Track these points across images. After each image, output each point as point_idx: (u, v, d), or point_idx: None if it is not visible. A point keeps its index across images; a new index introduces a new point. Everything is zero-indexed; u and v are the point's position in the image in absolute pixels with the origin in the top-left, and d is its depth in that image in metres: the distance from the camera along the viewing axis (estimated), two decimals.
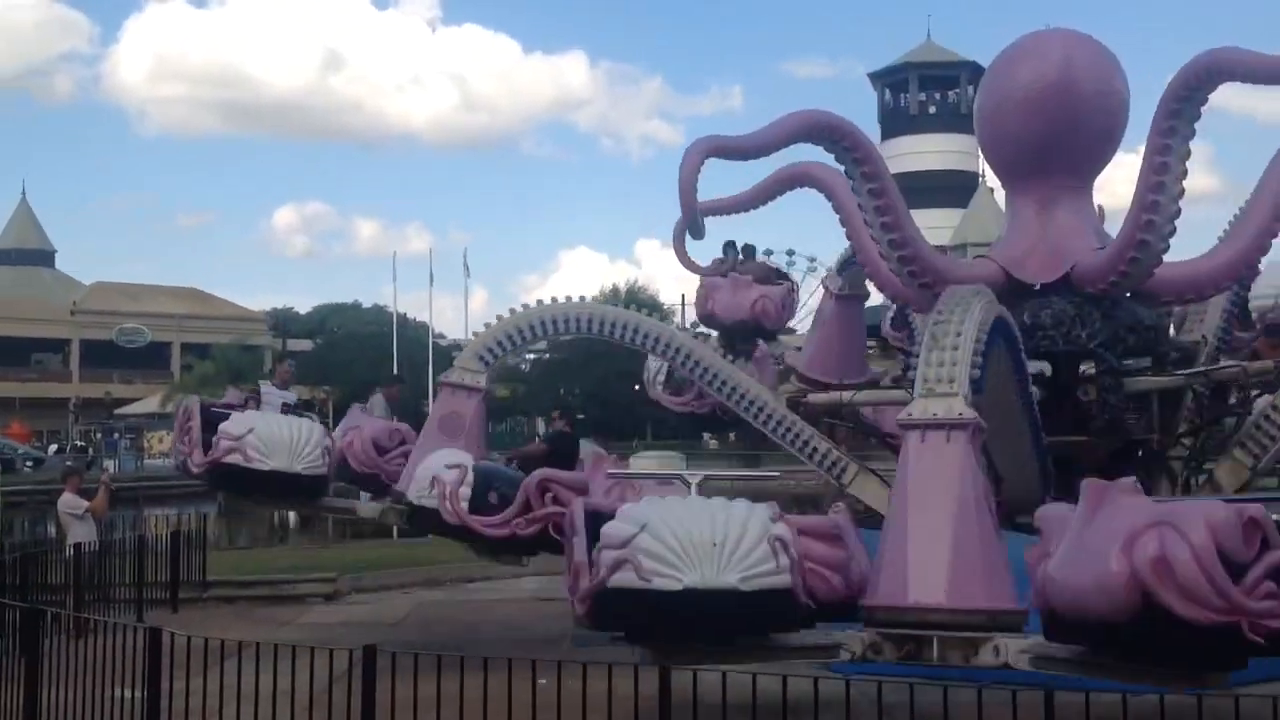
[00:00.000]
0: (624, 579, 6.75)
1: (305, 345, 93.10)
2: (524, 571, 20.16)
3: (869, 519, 11.43)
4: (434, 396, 72.41)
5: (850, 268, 15.18)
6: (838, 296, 15.95)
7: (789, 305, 17.25)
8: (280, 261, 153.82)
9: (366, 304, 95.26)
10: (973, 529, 6.74)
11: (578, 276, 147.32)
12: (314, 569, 18.85)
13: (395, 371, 77.62)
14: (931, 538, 6.75)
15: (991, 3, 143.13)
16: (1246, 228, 11.38)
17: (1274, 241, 11.21)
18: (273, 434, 11.58)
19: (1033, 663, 6.58)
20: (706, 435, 60.72)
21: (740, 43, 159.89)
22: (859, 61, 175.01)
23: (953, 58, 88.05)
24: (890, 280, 12.43)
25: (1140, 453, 12.30)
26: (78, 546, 14.60)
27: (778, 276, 17.63)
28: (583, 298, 12.96)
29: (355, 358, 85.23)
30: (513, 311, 12.44)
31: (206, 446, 11.70)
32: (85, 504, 15.65)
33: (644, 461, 53.89)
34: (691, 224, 11.62)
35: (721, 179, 12.03)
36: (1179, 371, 12.44)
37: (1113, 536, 5.85)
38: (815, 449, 12.33)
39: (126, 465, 59.94)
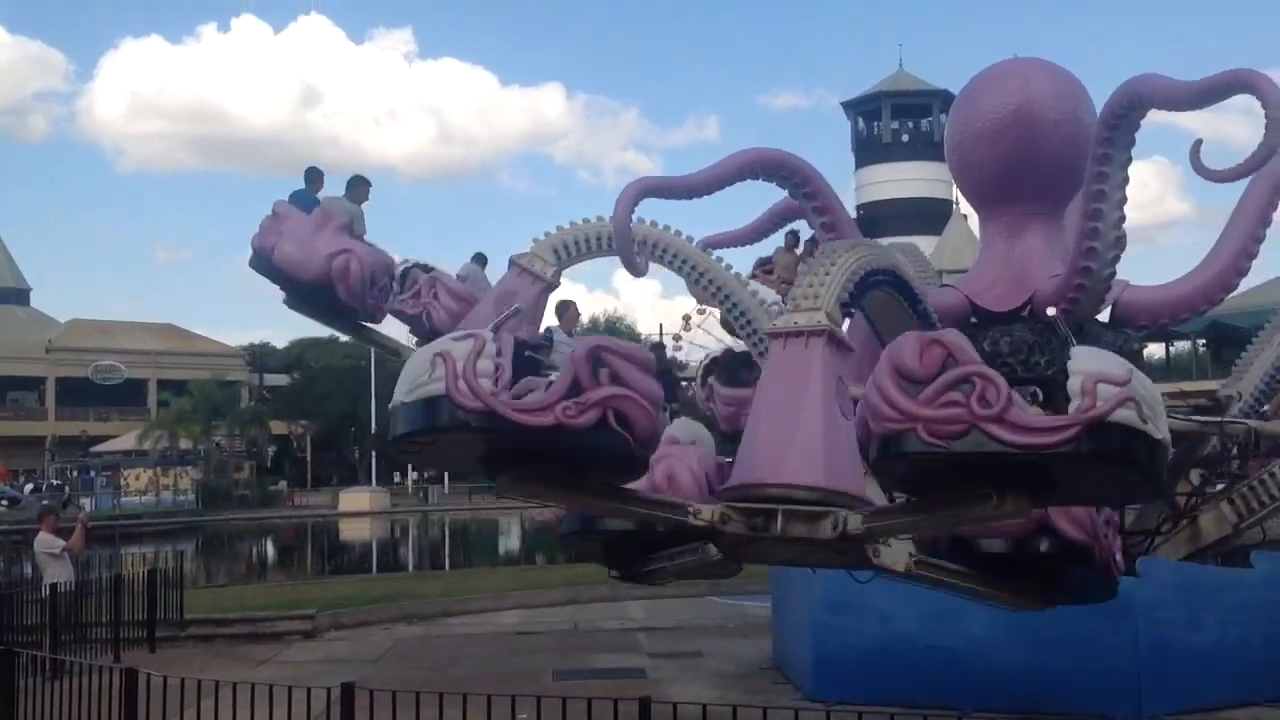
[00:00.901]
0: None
1: (282, 380, 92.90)
2: (505, 604, 20.24)
3: None
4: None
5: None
6: None
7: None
8: (258, 297, 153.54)
9: (344, 338, 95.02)
10: (820, 418, 6.87)
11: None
12: (292, 606, 18.77)
13: (373, 404, 77.74)
14: (781, 424, 6.95)
15: (962, 32, 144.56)
16: (1220, 254, 11.51)
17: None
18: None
19: (867, 529, 6.67)
20: None
21: (716, 75, 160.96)
22: (833, 92, 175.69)
23: (924, 86, 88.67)
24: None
25: None
26: (54, 586, 14.51)
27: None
28: None
29: (332, 391, 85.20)
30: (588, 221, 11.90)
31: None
32: (62, 543, 15.55)
33: None
34: (628, 263, 11.38)
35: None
36: (1177, 416, 12.38)
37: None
38: None
39: (103, 503, 59.52)
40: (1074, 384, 5.87)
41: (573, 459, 6.54)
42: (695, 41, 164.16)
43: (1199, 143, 10.39)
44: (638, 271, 11.41)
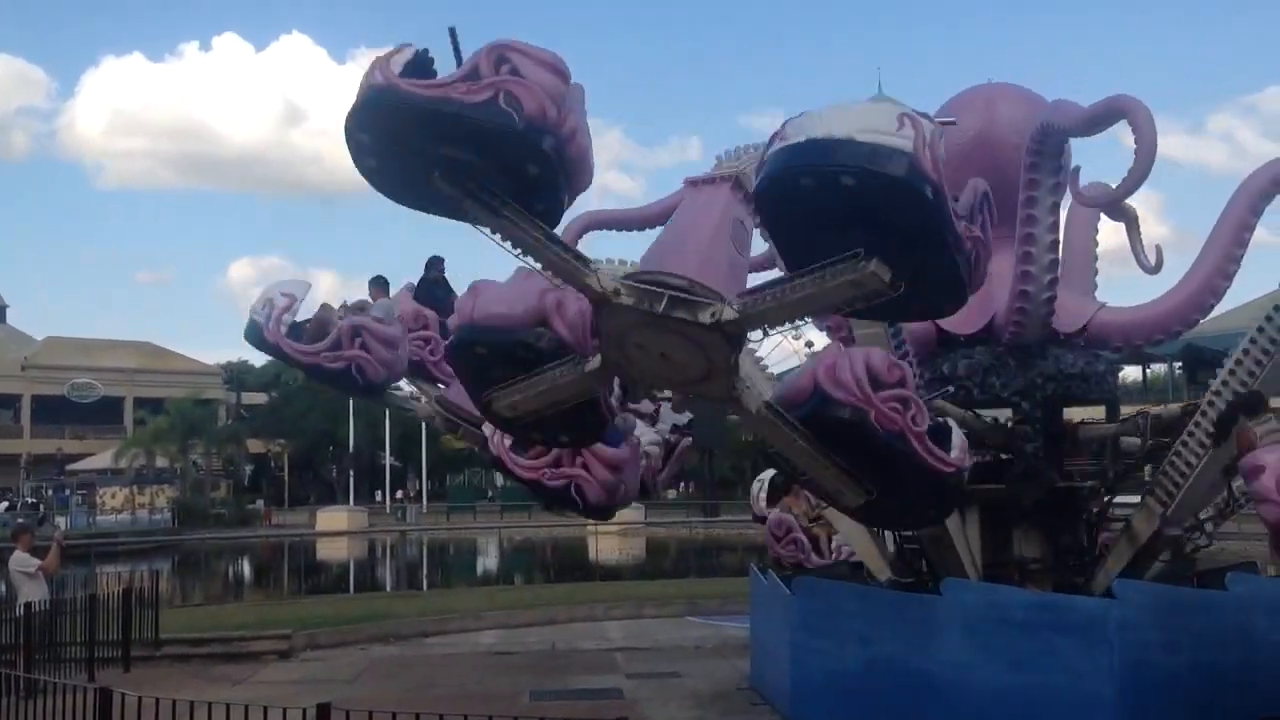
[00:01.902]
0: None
1: (260, 399, 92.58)
2: (483, 624, 20.19)
3: None
4: (389, 448, 70.62)
5: None
6: None
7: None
8: (240, 315, 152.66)
9: None
10: (709, 235, 8.09)
11: None
12: (268, 625, 18.67)
13: (351, 423, 77.45)
14: (684, 241, 8.13)
15: (939, 57, 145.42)
16: (1194, 275, 11.59)
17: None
18: None
19: (742, 313, 7.55)
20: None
21: (698, 95, 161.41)
22: None
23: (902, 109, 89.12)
24: None
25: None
26: (28, 605, 14.42)
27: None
28: None
29: (310, 410, 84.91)
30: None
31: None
32: (37, 562, 15.45)
33: None
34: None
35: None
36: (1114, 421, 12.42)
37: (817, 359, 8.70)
38: None
39: (78, 522, 59.16)
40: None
41: (471, 139, 6.93)
42: (678, 62, 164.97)
43: (1077, 169, 10.82)
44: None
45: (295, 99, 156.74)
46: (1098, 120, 9.87)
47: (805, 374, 8.63)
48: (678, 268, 7.63)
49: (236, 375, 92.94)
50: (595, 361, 8.25)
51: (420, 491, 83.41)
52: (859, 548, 12.51)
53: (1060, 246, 11.11)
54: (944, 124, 7.96)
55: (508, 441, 10.17)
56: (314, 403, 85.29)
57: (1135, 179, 9.73)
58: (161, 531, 57.73)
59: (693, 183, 8.66)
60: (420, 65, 7.03)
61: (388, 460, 78.88)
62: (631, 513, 54.29)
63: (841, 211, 6.85)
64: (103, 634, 15.92)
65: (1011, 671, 10.33)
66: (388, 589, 34.79)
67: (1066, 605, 10.38)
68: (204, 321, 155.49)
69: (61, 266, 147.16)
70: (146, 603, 17.25)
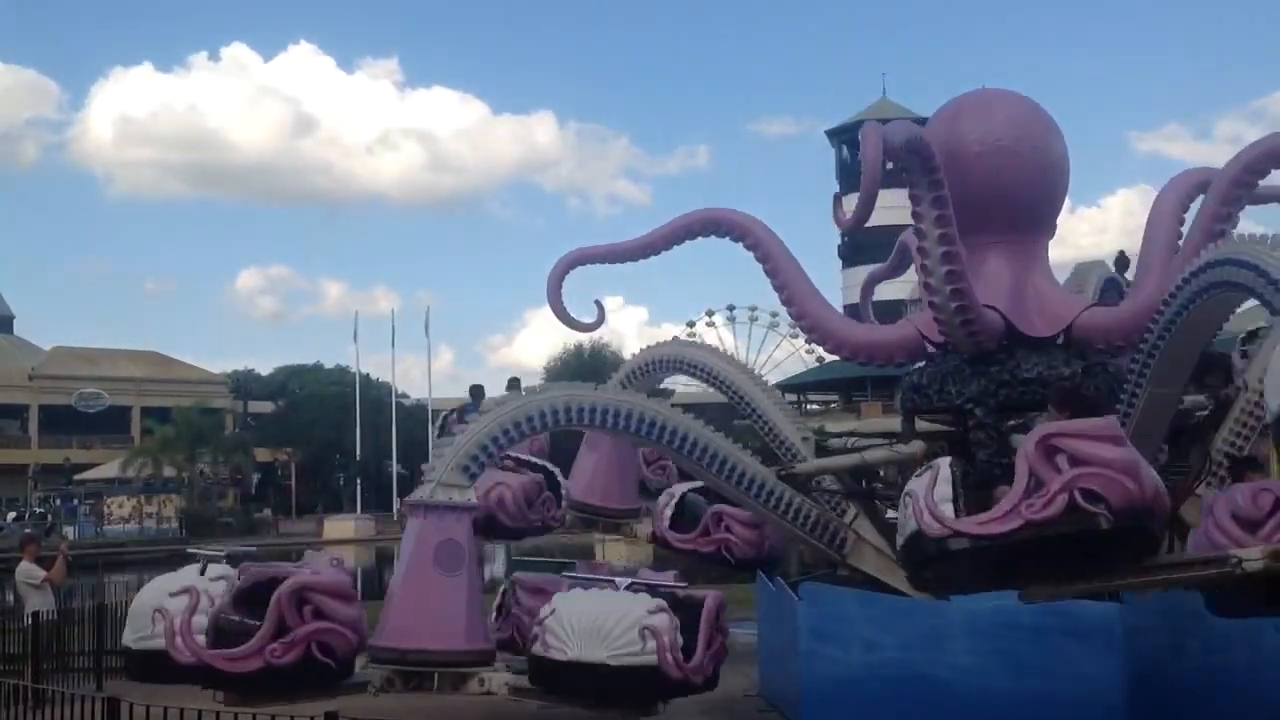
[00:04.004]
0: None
1: (267, 407, 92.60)
2: None
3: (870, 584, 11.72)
4: (396, 457, 70.99)
5: None
6: None
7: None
8: (247, 324, 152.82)
9: (329, 365, 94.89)
10: (451, 586, 9.44)
11: (542, 336, 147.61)
12: None
13: (358, 431, 77.47)
14: (425, 595, 9.16)
15: (943, 62, 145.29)
16: (1152, 272, 11.62)
17: None
18: None
19: (512, 692, 9.51)
20: None
21: (707, 103, 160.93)
22: (823, 120, 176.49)
23: (906, 114, 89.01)
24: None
25: None
26: (35, 615, 14.42)
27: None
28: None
29: (317, 418, 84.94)
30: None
31: None
32: (43, 573, 15.46)
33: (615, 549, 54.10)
34: (569, 324, 13.20)
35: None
36: None
37: None
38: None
39: (86, 531, 59.32)
40: None
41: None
42: (687, 70, 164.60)
43: (837, 196, 11.06)
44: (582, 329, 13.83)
45: (304, 108, 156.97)
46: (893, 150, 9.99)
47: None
48: (429, 634, 9.51)
49: (243, 384, 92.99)
50: None
51: None
52: (894, 582, 12.26)
53: (956, 253, 10.83)
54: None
55: (200, 636, 9.63)
56: (321, 411, 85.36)
57: (860, 207, 9.79)
58: (169, 541, 57.79)
59: (412, 505, 10.28)
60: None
61: (395, 468, 78.91)
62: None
63: None
64: (111, 644, 15.90)
65: (1020, 677, 10.32)
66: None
67: (1074, 611, 10.36)
68: (211, 331, 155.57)
69: (68, 277, 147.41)
70: None
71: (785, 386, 65.33)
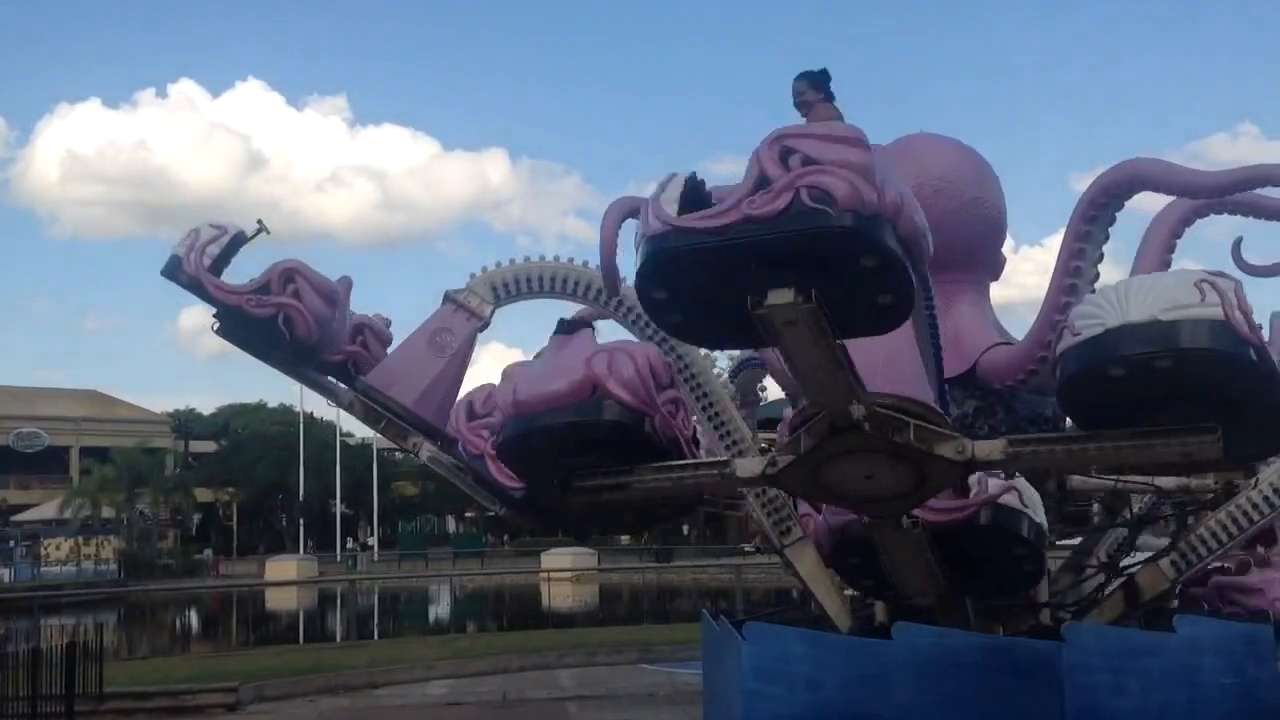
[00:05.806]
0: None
1: (209, 447, 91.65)
2: (433, 674, 20.00)
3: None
4: (340, 496, 70.64)
5: (748, 368, 14.81)
6: None
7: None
8: (190, 363, 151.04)
9: (273, 404, 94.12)
10: (430, 362, 10.61)
11: (493, 373, 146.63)
12: (215, 678, 18.41)
13: (302, 471, 76.81)
14: (408, 359, 10.57)
15: (881, 109, 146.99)
16: (1044, 307, 11.55)
17: None
18: None
19: (430, 461, 10.71)
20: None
21: (659, 141, 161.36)
22: None
23: None
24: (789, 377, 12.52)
25: None
26: None
27: None
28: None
29: (260, 458, 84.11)
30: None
31: None
32: None
33: (556, 558, 54.12)
34: (610, 281, 10.93)
35: None
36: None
37: (576, 355, 8.67)
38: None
39: (22, 574, 58.24)
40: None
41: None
42: (640, 108, 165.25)
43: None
44: (613, 291, 11.00)
45: (253, 145, 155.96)
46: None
47: (565, 369, 8.43)
48: (406, 392, 10.07)
49: (184, 423, 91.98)
50: (754, 467, 8.11)
51: (371, 539, 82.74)
52: (820, 595, 12.27)
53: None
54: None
55: (208, 259, 10.83)
56: (264, 451, 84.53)
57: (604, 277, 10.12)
58: (107, 583, 56.93)
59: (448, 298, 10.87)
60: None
61: (338, 508, 78.27)
62: (585, 559, 54.24)
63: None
64: (46, 688, 15.64)
65: (961, 715, 10.35)
66: (337, 639, 34.37)
67: (1016, 647, 10.43)
68: (153, 370, 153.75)
69: (5, 314, 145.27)
70: (91, 655, 16.93)
71: None
